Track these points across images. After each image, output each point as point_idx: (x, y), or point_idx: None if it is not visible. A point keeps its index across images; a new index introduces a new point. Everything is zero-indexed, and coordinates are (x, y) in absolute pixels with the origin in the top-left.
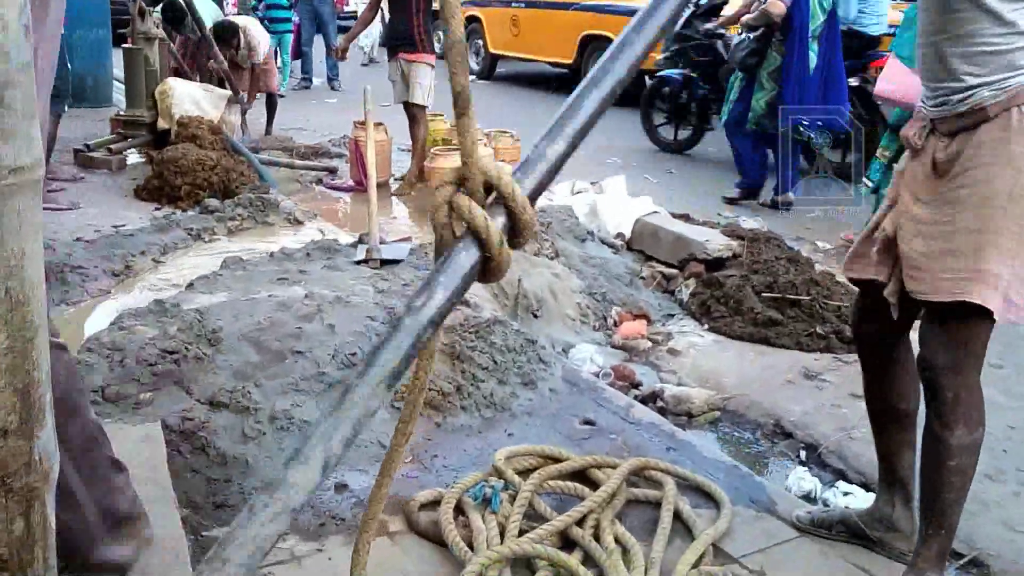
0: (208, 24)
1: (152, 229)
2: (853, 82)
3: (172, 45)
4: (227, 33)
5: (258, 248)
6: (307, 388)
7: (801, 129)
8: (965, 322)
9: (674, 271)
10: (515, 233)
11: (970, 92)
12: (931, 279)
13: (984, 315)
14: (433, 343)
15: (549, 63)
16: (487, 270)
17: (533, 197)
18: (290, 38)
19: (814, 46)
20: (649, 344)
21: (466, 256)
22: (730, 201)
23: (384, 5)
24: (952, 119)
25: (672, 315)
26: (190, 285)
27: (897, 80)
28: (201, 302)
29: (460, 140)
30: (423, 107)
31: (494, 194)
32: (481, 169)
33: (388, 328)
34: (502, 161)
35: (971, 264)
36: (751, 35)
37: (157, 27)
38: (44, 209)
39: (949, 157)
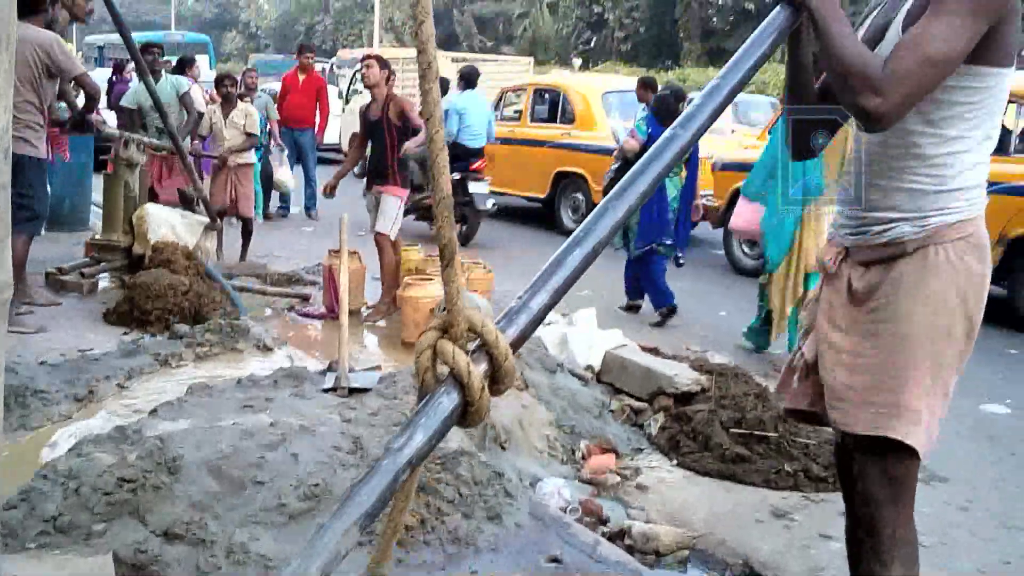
0: (184, 88)
1: (119, 354)
2: (455, 176)
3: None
4: (225, 78)
5: (225, 374)
6: (267, 520)
7: (660, 249)
8: (897, 456)
9: (643, 404)
10: (496, 380)
11: (891, 225)
12: (854, 411)
13: (911, 451)
14: (410, 485)
15: (524, 197)
16: (467, 414)
17: (515, 346)
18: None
19: (675, 180)
20: (617, 479)
21: (447, 400)
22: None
23: None
24: (869, 249)
25: (641, 449)
26: (153, 411)
27: (745, 216)
28: (163, 429)
29: (445, 289)
30: (387, 236)
31: (477, 341)
32: (466, 317)
33: (367, 469)
34: (475, 292)
35: (893, 399)
36: (614, 166)
37: (141, 151)
38: (9, 332)
39: (866, 287)
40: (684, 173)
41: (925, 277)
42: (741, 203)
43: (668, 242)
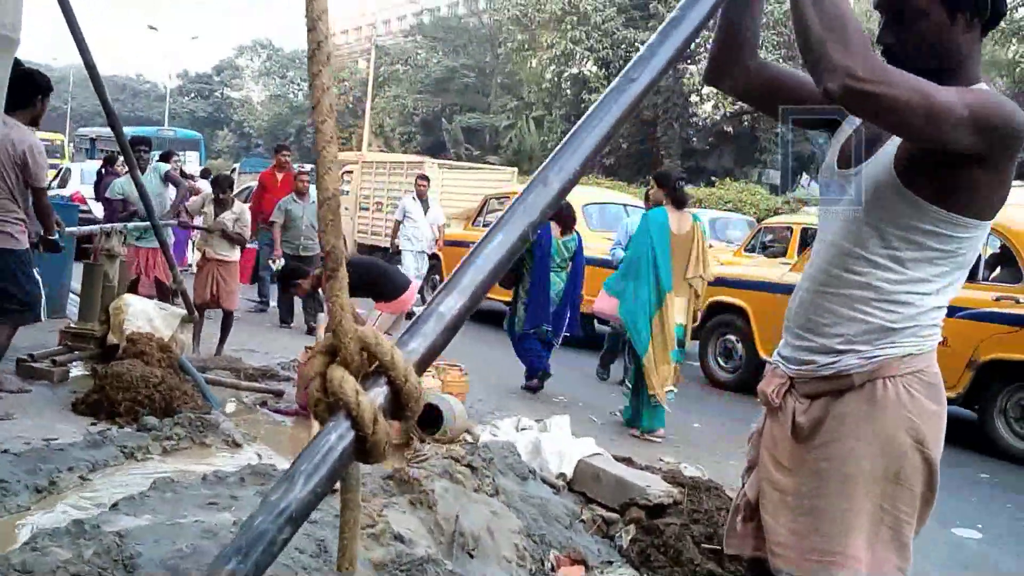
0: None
1: (84, 445)
2: None
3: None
4: (223, 180)
5: (192, 470)
6: None
7: (539, 332)
8: None
9: (615, 515)
10: (398, 406)
11: (836, 358)
12: (797, 558)
13: None
14: (354, 495)
15: (502, 301)
16: (364, 450)
17: (423, 363)
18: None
19: (562, 274)
20: None
21: (335, 436)
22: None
23: None
24: (814, 382)
25: (611, 562)
26: (114, 506)
27: (605, 303)
28: (123, 524)
29: (330, 305)
30: None
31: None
32: (356, 336)
33: (238, 531)
34: (449, 394)
35: (837, 547)
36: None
37: (122, 244)
38: None
39: (810, 422)
40: (568, 268)
41: (872, 413)
42: (602, 294)
43: (547, 328)
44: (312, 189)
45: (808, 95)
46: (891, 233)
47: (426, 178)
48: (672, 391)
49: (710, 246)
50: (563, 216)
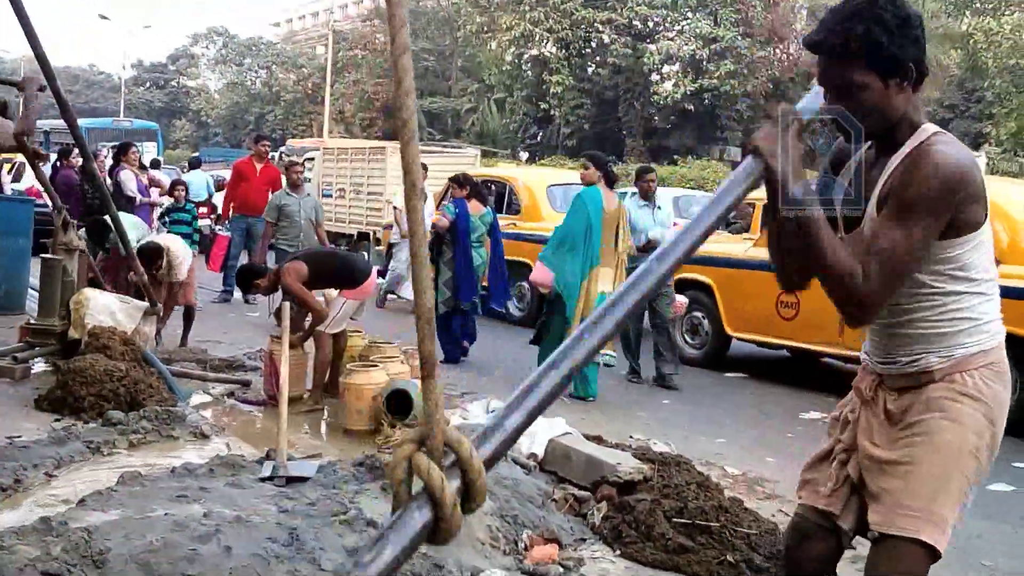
0: (132, 241)
1: (49, 441)
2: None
3: (92, 260)
4: (151, 255)
5: (159, 463)
6: None
7: (466, 306)
8: (918, 557)
9: (586, 493)
10: (468, 498)
11: (918, 356)
12: (888, 513)
13: (929, 554)
14: None
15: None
16: (437, 531)
17: (488, 464)
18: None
19: (481, 250)
20: (560, 569)
21: (419, 516)
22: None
23: None
24: (900, 377)
25: (584, 539)
26: (81, 502)
27: (540, 274)
28: (91, 520)
29: (425, 402)
30: (324, 332)
31: (452, 457)
32: (443, 432)
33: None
34: (417, 379)
35: (926, 504)
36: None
37: (80, 239)
38: None
39: (900, 409)
40: (487, 242)
41: (957, 398)
42: (539, 264)
43: (476, 300)
44: (306, 182)
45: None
46: (918, 272)
47: (423, 167)
48: (610, 355)
49: (675, 224)
50: (478, 192)
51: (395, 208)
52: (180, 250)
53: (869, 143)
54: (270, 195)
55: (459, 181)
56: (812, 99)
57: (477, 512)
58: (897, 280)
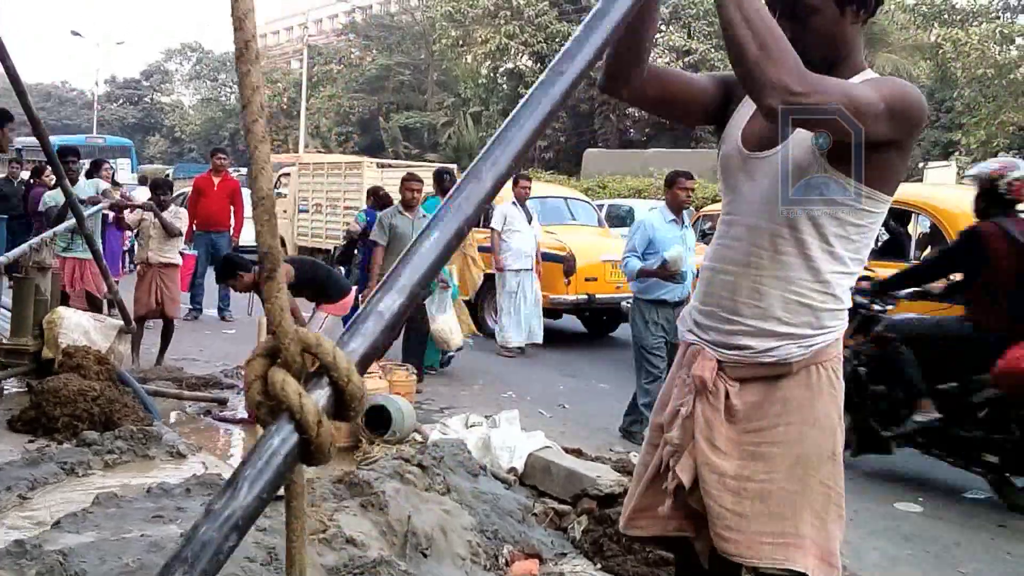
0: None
1: (22, 463)
2: None
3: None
4: (161, 184)
5: (135, 483)
6: None
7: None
8: None
9: (567, 507)
10: (341, 406)
11: (778, 344)
12: (749, 542)
13: None
14: (299, 501)
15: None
16: (308, 452)
17: (365, 362)
18: None
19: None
20: None
21: (280, 440)
22: None
23: None
24: (749, 367)
25: (565, 553)
26: (56, 524)
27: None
28: (66, 542)
29: (268, 307)
30: None
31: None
32: (296, 336)
33: (180, 540)
34: (397, 395)
35: (791, 529)
36: (344, 242)
37: (53, 257)
38: None
39: (746, 406)
40: None
41: (812, 398)
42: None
43: None
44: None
45: (699, 92)
46: (818, 211)
47: (527, 178)
48: (470, 338)
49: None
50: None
51: (492, 230)
52: (185, 213)
53: None
54: (379, 214)
55: (373, 193)
56: None
57: (457, 527)
58: (840, 99)
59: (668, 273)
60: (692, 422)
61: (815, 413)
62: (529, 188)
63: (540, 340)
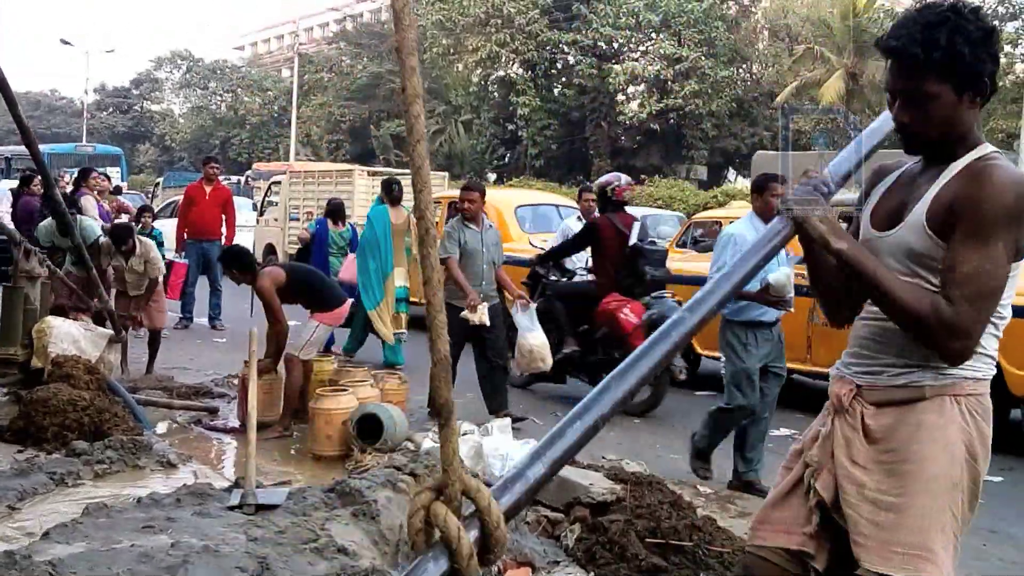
0: (96, 234)
1: (11, 473)
2: None
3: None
4: (121, 233)
5: (125, 493)
6: None
7: None
8: None
9: (559, 515)
10: (486, 549)
11: (911, 370)
12: (882, 550)
13: None
14: None
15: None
16: None
17: (509, 515)
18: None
19: (341, 259)
20: None
21: (434, 567)
22: None
23: None
24: (883, 390)
25: (558, 562)
26: (46, 534)
27: (347, 273)
28: (56, 553)
29: (442, 450)
30: (295, 358)
31: (471, 508)
32: (461, 480)
33: None
34: (389, 403)
35: (921, 542)
36: (298, 246)
37: (42, 265)
38: None
39: (881, 428)
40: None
41: (945, 426)
42: (347, 265)
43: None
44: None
45: None
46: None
47: (591, 190)
48: (402, 333)
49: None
50: (337, 213)
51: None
52: (155, 249)
53: (918, 158)
54: (444, 226)
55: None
56: (845, 158)
57: None
58: (986, 302)
59: (772, 299)
60: (831, 441)
61: (947, 438)
62: (593, 203)
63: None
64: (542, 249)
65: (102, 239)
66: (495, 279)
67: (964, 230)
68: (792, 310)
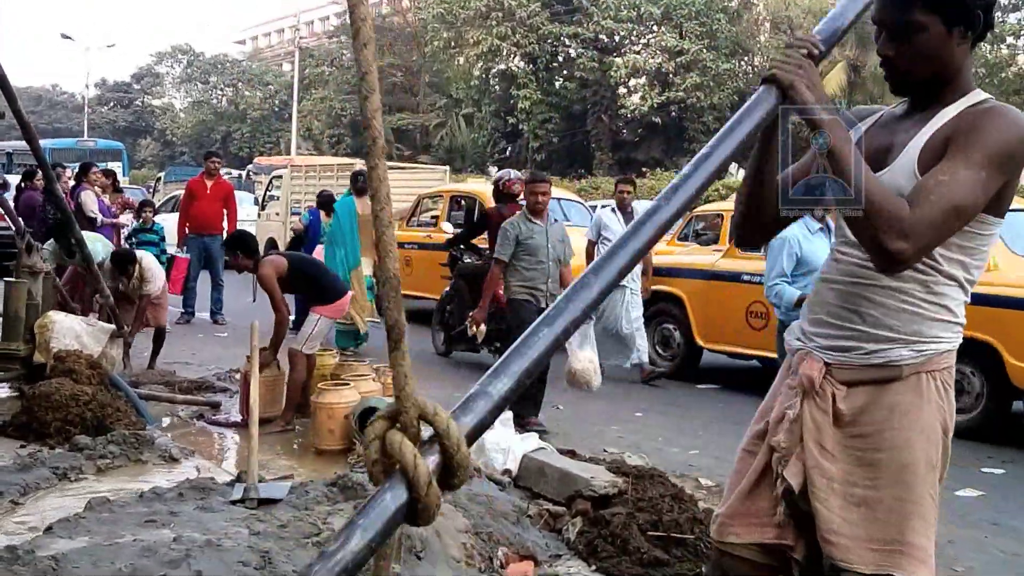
0: (100, 258)
1: (14, 468)
2: None
3: (58, 280)
4: (124, 261)
5: (128, 488)
6: None
7: None
8: None
9: (561, 509)
10: (449, 473)
11: (888, 346)
12: (856, 548)
13: None
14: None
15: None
16: (414, 511)
17: (472, 436)
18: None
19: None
20: None
21: (391, 497)
22: None
23: None
24: (858, 369)
25: (560, 555)
26: (49, 529)
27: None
28: (59, 548)
29: (394, 373)
30: (298, 352)
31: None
32: (416, 404)
33: None
34: (391, 397)
35: (898, 536)
36: (292, 236)
37: (44, 261)
38: None
39: (852, 410)
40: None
41: (920, 405)
42: (317, 253)
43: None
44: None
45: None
46: None
47: (630, 182)
48: (375, 321)
49: None
50: (328, 205)
51: (589, 241)
52: (153, 265)
53: (902, 101)
54: (504, 225)
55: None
56: (838, 14)
57: (451, 529)
58: (949, 217)
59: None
60: (799, 425)
61: (922, 420)
62: (631, 194)
63: (644, 359)
64: (453, 235)
65: (106, 263)
66: (560, 278)
67: (953, 149)
68: None
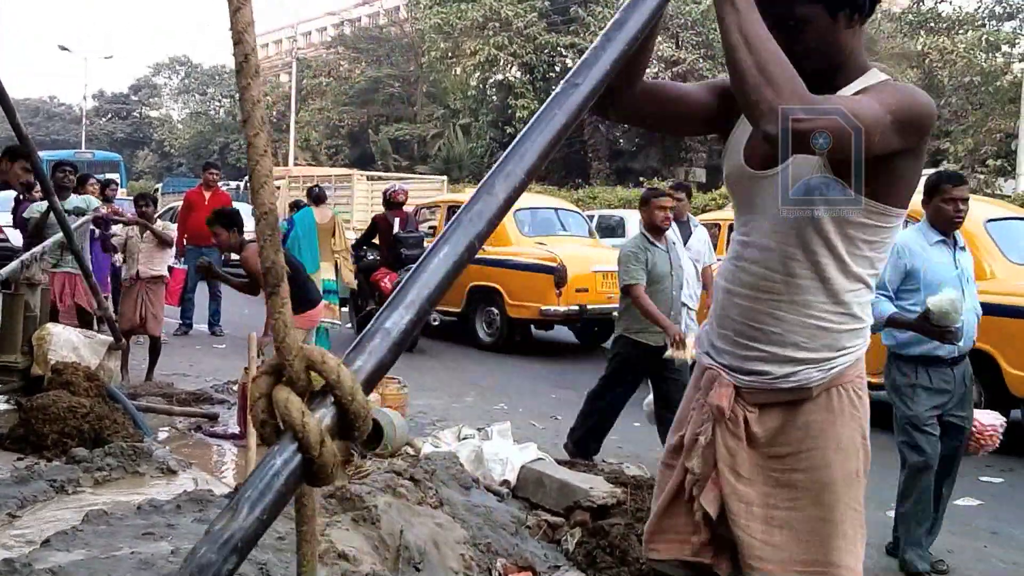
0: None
1: (11, 481)
2: None
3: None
4: (146, 197)
5: (125, 500)
6: None
7: None
8: None
9: (560, 519)
10: (345, 425)
11: (796, 369)
12: (780, 571)
13: None
14: (310, 506)
15: (439, 311)
16: (311, 473)
17: (371, 380)
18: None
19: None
20: None
21: (282, 461)
22: None
23: None
24: (768, 392)
25: (558, 566)
26: (46, 542)
27: None
28: (56, 561)
29: (273, 322)
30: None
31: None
32: (300, 353)
33: (181, 564)
34: (388, 408)
35: (822, 557)
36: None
37: (43, 273)
38: None
39: (766, 432)
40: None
41: (834, 422)
42: None
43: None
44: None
45: (695, 104)
46: (829, 231)
47: (686, 187)
48: (335, 323)
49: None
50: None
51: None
52: (172, 227)
53: None
54: (628, 248)
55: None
56: None
57: (449, 540)
58: (828, 106)
59: (933, 329)
60: (712, 451)
61: (838, 436)
62: (685, 204)
63: None
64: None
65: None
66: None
67: (867, 92)
68: (961, 343)
